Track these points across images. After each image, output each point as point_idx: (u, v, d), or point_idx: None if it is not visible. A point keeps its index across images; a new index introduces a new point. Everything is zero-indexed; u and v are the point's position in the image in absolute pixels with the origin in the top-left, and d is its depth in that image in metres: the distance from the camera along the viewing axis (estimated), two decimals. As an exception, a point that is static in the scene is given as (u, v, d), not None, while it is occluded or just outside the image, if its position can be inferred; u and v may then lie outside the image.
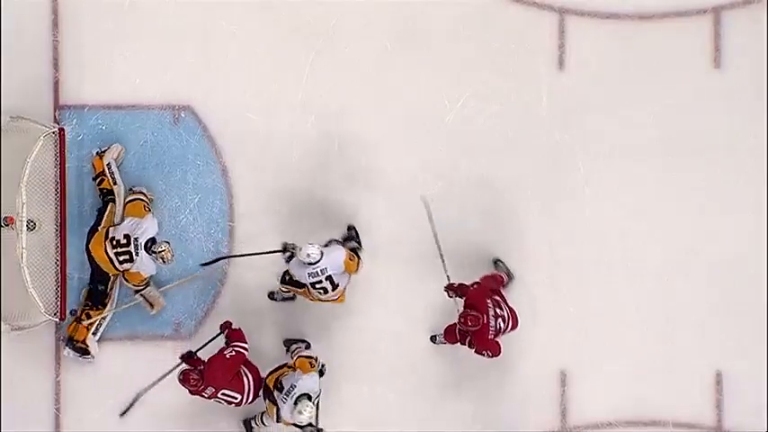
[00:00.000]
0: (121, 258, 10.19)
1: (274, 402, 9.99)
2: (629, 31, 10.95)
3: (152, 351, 10.71)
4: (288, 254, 10.26)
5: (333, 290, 10.15)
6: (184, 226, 10.78)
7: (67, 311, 10.46)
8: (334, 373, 10.51)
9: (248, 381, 10.04)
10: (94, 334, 10.58)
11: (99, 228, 10.34)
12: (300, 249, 9.97)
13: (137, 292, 10.53)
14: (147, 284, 10.49)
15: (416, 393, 10.89)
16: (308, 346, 10.61)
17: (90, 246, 10.28)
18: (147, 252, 10.16)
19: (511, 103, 10.90)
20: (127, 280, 10.38)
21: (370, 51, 10.88)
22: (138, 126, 10.74)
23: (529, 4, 10.93)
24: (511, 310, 10.25)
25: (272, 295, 10.73)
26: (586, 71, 10.96)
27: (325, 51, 10.84)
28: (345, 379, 10.74)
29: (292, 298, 10.61)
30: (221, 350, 10.01)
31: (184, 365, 9.98)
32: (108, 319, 10.62)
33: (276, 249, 10.33)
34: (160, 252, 10.11)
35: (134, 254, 10.15)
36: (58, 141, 10.32)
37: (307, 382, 9.89)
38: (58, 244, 10.37)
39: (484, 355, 10.15)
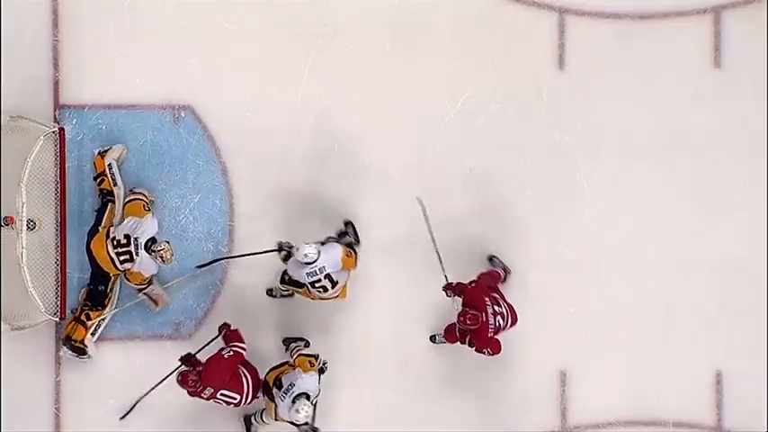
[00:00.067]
0: (122, 258, 10.18)
1: (273, 400, 9.99)
2: (629, 31, 10.96)
3: (152, 351, 10.71)
4: (284, 253, 10.25)
5: (332, 288, 10.15)
6: (184, 226, 10.79)
7: (68, 311, 10.46)
8: (334, 373, 10.50)
9: (247, 381, 10.04)
10: (93, 334, 10.58)
11: (99, 228, 10.34)
12: (297, 249, 9.97)
13: (140, 291, 10.53)
14: (150, 283, 10.49)
15: (416, 393, 10.89)
16: (307, 345, 10.61)
17: (91, 246, 10.28)
18: (148, 252, 10.15)
19: (511, 103, 10.91)
20: (128, 280, 10.38)
21: (370, 51, 10.89)
22: (138, 126, 10.74)
23: (529, 4, 10.94)
24: (509, 306, 10.25)
25: (270, 292, 10.73)
26: (586, 71, 10.97)
27: (326, 51, 10.84)
28: (345, 379, 10.74)
29: (291, 295, 10.61)
30: (219, 351, 10.02)
31: (183, 367, 9.98)
32: (107, 319, 10.61)
33: (271, 249, 10.32)
34: (159, 251, 10.10)
35: (134, 254, 10.14)
36: (57, 141, 10.32)
37: (306, 381, 9.89)
38: (58, 244, 10.37)
39: (484, 353, 10.15)
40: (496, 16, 10.93)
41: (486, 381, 10.87)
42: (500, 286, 10.57)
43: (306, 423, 9.86)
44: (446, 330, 10.53)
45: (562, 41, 10.95)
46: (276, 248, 10.29)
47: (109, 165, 10.52)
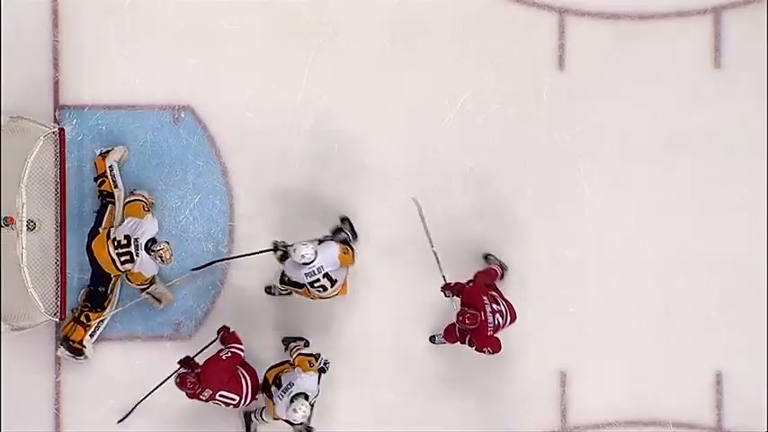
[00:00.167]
0: (123, 259, 10.18)
1: (271, 397, 10.00)
2: (629, 31, 10.95)
3: (152, 351, 10.71)
4: (279, 252, 10.23)
5: (332, 286, 10.14)
6: (184, 226, 10.79)
7: (68, 311, 10.46)
8: (334, 373, 10.49)
9: (246, 382, 10.04)
10: (92, 336, 10.58)
11: (100, 230, 10.33)
12: (294, 250, 9.96)
13: (143, 290, 10.53)
14: (152, 282, 10.48)
15: (416, 393, 10.89)
16: (306, 344, 10.61)
17: (92, 247, 10.26)
18: (148, 252, 10.15)
19: (511, 103, 10.90)
20: (130, 281, 10.38)
21: (370, 51, 10.88)
22: (137, 126, 10.74)
23: (529, 4, 10.93)
24: (508, 303, 10.25)
25: (269, 290, 10.72)
26: (586, 71, 10.96)
27: (325, 51, 10.84)
28: (344, 379, 10.74)
29: (289, 293, 10.59)
30: (217, 352, 10.03)
31: (181, 369, 9.98)
32: (107, 320, 10.61)
33: (267, 249, 10.31)
34: (158, 251, 10.10)
35: (135, 254, 10.14)
36: (57, 141, 10.32)
37: (305, 381, 9.89)
38: (58, 244, 10.37)
39: (485, 352, 10.16)
40: (496, 16, 10.92)
41: (486, 381, 10.88)
42: (498, 283, 10.58)
43: (301, 423, 9.86)
44: (446, 330, 10.53)
45: (562, 42, 10.95)
46: (272, 248, 10.27)
47: (110, 166, 10.52)
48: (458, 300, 10.17)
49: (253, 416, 10.63)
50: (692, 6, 10.96)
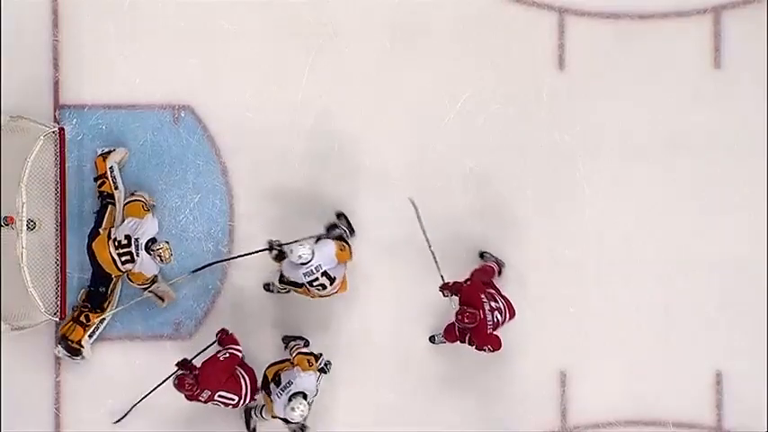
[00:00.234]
0: (123, 259, 10.18)
1: (270, 395, 9.99)
2: (629, 31, 10.95)
3: (152, 351, 10.71)
4: (275, 252, 10.21)
5: (331, 284, 10.13)
6: (184, 226, 10.79)
7: (68, 311, 10.46)
8: (333, 373, 10.48)
9: (245, 382, 10.04)
10: (91, 336, 10.58)
11: (100, 230, 10.33)
12: (291, 251, 9.94)
13: (145, 289, 10.53)
14: (154, 282, 10.48)
15: (416, 393, 10.89)
16: (306, 344, 10.60)
17: (94, 247, 10.26)
18: (148, 252, 10.15)
19: (511, 103, 10.91)
20: (131, 281, 10.38)
21: (370, 51, 10.88)
22: (137, 126, 10.74)
23: (529, 4, 10.93)
24: (506, 300, 10.25)
25: (267, 287, 10.71)
26: (586, 71, 10.96)
27: (325, 51, 10.84)
28: (344, 378, 10.74)
29: (288, 291, 10.58)
30: (215, 353, 10.05)
31: (179, 371, 9.98)
32: (106, 321, 10.61)
33: (262, 248, 10.29)
34: (158, 251, 10.10)
35: (135, 254, 10.14)
36: (57, 141, 10.32)
37: (304, 380, 9.89)
38: (58, 244, 10.37)
39: (485, 350, 10.16)
40: (496, 16, 10.92)
41: (486, 381, 10.87)
42: (496, 280, 10.58)
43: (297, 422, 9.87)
44: (446, 330, 10.53)
45: (562, 41, 10.95)
46: (267, 248, 10.25)
47: (110, 168, 10.52)
48: (456, 299, 10.17)
49: (253, 412, 10.63)
50: (692, 6, 10.96)
